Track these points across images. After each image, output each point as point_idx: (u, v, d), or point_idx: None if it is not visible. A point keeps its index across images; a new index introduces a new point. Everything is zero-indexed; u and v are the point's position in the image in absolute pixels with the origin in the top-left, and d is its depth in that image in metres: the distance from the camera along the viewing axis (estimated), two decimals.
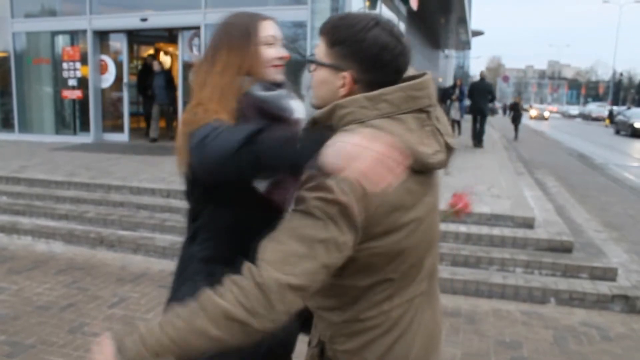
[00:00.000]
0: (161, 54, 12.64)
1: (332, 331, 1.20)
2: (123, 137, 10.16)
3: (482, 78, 11.88)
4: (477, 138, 11.66)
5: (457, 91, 14.06)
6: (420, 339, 1.19)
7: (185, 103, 9.68)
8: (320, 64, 1.17)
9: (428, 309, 1.23)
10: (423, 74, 1.18)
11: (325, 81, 1.16)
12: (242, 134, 1.15)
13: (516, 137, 17.54)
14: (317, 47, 1.19)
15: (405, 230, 1.09)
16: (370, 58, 1.11)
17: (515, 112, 17.69)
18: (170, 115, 10.51)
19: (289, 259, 0.97)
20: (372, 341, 1.16)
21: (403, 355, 1.17)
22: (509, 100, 36.74)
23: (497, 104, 43.37)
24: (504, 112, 42.61)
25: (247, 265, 1.00)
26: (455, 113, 13.75)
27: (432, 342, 1.24)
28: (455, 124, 13.67)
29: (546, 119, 44.12)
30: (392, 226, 1.07)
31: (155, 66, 10.18)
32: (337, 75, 1.14)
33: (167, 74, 10.29)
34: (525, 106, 69.46)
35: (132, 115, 10.31)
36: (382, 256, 1.10)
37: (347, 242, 1.01)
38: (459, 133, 13.62)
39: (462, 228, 4.65)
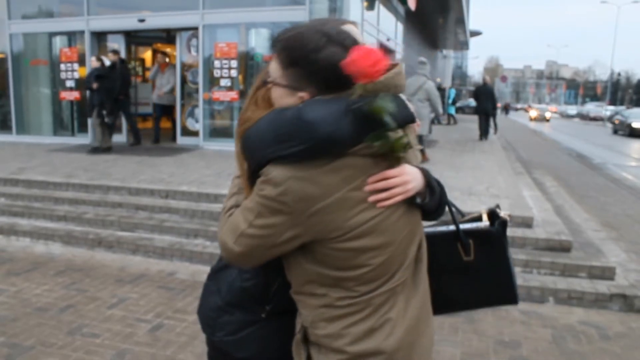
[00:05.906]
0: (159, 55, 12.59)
1: (312, 316, 1.21)
2: (121, 138, 10.14)
3: (485, 83, 13.73)
4: (485, 132, 13.30)
5: None
6: (403, 325, 1.19)
7: (183, 106, 9.73)
8: (277, 85, 1.17)
9: (415, 293, 1.23)
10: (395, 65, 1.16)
11: (284, 98, 1.18)
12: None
13: (495, 130, 15.57)
14: (272, 65, 1.19)
15: (361, 229, 1.11)
16: (325, 79, 1.11)
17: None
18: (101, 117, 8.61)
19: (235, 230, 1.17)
20: (351, 325, 1.17)
21: (383, 339, 1.17)
22: (507, 100, 36.32)
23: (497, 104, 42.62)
24: (504, 112, 42.39)
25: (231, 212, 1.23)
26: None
27: (419, 326, 1.24)
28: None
29: (547, 120, 40.85)
30: (346, 227, 1.10)
31: (93, 62, 8.68)
32: (294, 95, 1.15)
33: (98, 70, 8.48)
34: (524, 106, 69.09)
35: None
36: (343, 252, 1.12)
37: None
38: (429, 132, 12.30)
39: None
